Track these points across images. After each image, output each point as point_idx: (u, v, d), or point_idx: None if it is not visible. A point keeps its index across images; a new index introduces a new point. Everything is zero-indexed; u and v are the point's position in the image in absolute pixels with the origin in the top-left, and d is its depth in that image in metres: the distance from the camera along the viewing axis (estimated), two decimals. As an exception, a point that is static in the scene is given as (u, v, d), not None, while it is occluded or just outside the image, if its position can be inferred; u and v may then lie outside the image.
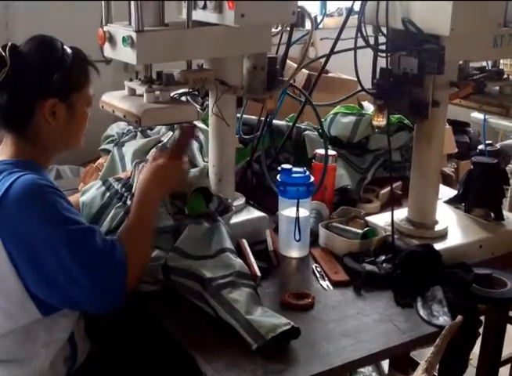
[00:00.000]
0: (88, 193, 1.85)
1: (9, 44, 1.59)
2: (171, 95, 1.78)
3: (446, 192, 2.25)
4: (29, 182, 1.51)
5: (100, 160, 2.33)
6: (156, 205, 1.69)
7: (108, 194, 1.81)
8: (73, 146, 1.72)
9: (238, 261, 1.66)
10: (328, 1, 4.39)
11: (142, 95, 1.71)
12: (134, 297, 1.60)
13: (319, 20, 3.81)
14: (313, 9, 4.23)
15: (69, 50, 1.64)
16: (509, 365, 2.57)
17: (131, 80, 1.77)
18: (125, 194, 1.78)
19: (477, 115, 3.93)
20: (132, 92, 1.76)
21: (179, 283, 1.63)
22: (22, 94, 1.60)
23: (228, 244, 1.70)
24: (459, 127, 4.19)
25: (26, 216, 1.49)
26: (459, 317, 1.49)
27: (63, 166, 2.76)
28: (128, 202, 1.75)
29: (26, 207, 1.49)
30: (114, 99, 1.75)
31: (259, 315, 1.51)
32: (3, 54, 1.57)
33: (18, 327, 1.54)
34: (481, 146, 3.85)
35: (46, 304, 1.53)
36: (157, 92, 1.70)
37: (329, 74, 3.74)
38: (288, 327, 1.47)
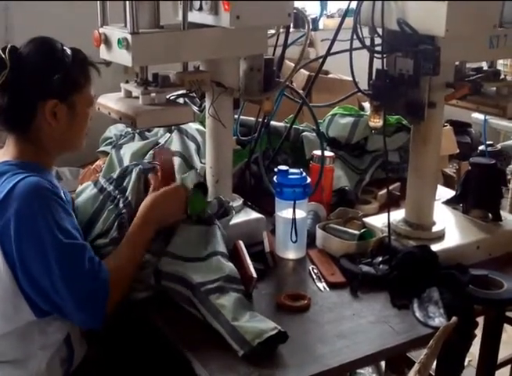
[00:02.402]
0: (82, 196, 1.85)
1: (9, 46, 1.61)
2: (168, 97, 1.78)
3: (446, 193, 2.25)
4: (33, 185, 1.53)
5: (98, 162, 2.33)
6: (151, 235, 1.69)
7: (101, 197, 1.81)
8: (74, 148, 1.73)
9: (228, 265, 1.65)
10: (329, 3, 4.39)
11: (138, 97, 1.71)
12: (129, 300, 1.61)
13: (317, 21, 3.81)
14: (313, 10, 4.23)
15: (69, 51, 1.66)
16: (509, 366, 2.56)
17: (127, 82, 1.78)
18: (118, 197, 1.79)
19: (478, 116, 3.91)
20: (128, 94, 1.77)
21: (170, 289, 1.63)
22: (22, 95, 1.61)
23: (221, 248, 1.69)
24: (461, 127, 4.18)
25: (26, 219, 1.50)
26: (454, 319, 1.49)
27: (63, 168, 2.76)
28: (121, 205, 1.75)
29: (27, 210, 1.50)
30: (110, 101, 1.76)
31: (246, 320, 1.50)
32: (3, 56, 1.58)
33: (14, 328, 1.55)
34: (482, 147, 3.84)
35: (40, 306, 1.54)
36: (153, 94, 1.70)
37: (330, 75, 3.74)
38: (275, 332, 1.46)
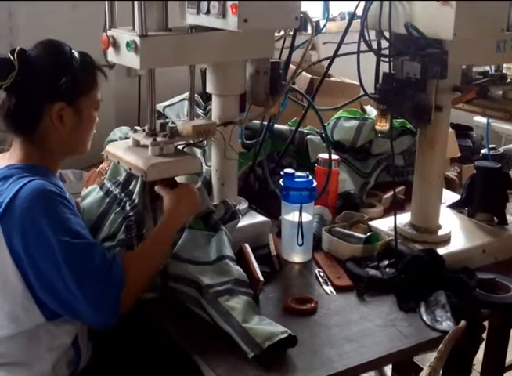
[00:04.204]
0: (88, 199, 1.85)
1: (18, 48, 1.62)
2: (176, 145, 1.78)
3: (449, 196, 2.25)
4: (37, 188, 1.53)
5: (103, 165, 2.32)
6: (174, 235, 1.69)
7: (107, 200, 1.81)
8: (79, 151, 1.74)
9: (237, 268, 1.65)
10: (330, 5, 4.38)
11: (146, 146, 1.73)
12: (136, 302, 1.60)
13: (321, 25, 3.80)
14: (316, 13, 4.23)
15: (76, 54, 1.66)
16: (512, 370, 2.56)
17: (135, 131, 1.80)
18: (124, 199, 1.78)
19: (481, 119, 3.92)
20: (137, 143, 1.78)
21: (177, 290, 1.62)
22: (30, 98, 1.62)
23: (228, 252, 1.69)
24: (462, 131, 4.19)
25: (31, 223, 1.50)
26: (463, 322, 1.49)
27: (66, 170, 2.76)
28: (128, 208, 1.75)
29: (32, 214, 1.50)
30: (119, 151, 1.78)
31: (256, 323, 1.50)
32: (11, 58, 1.59)
33: (22, 330, 1.55)
34: (484, 150, 3.84)
35: (50, 309, 1.54)
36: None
37: (332, 78, 3.73)
38: (285, 335, 1.46)
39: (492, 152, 3.67)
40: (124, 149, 1.78)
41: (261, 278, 1.69)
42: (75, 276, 1.49)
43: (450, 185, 3.63)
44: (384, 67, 1.82)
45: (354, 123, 2.43)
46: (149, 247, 1.65)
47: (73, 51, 1.66)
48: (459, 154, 3.92)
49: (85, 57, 1.69)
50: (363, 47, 1.82)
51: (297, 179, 1.87)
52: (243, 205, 1.99)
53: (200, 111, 2.46)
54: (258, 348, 1.43)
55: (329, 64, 2.14)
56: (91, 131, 1.73)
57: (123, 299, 1.52)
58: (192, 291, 1.60)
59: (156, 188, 1.73)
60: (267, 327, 1.49)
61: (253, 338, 1.45)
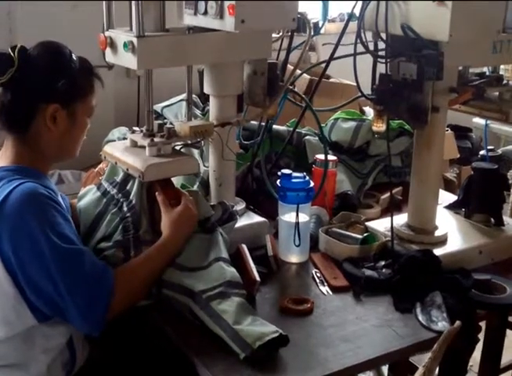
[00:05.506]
0: (85, 199, 1.85)
1: (19, 45, 1.62)
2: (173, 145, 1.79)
3: (447, 197, 2.26)
4: (28, 192, 1.53)
5: (101, 165, 2.32)
6: (171, 252, 1.67)
7: (104, 201, 1.81)
8: (68, 156, 1.74)
9: (230, 270, 1.63)
10: (330, 6, 4.39)
11: (143, 147, 1.73)
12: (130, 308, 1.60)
13: (320, 26, 3.81)
14: (315, 14, 4.24)
15: (76, 58, 1.67)
16: (510, 371, 2.56)
17: (133, 132, 1.80)
18: (121, 200, 1.79)
19: (479, 121, 3.93)
20: (134, 144, 1.79)
21: (172, 297, 1.61)
22: (25, 95, 1.62)
23: (223, 254, 1.68)
24: (461, 132, 4.20)
25: (21, 226, 1.50)
26: (458, 323, 1.49)
27: (65, 171, 2.76)
28: (125, 208, 1.75)
29: (22, 217, 1.50)
30: (117, 151, 1.78)
31: (248, 324, 1.49)
32: (12, 54, 1.60)
33: (15, 333, 1.54)
34: (482, 152, 3.85)
35: (42, 311, 1.54)
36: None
37: (331, 80, 3.74)
38: (275, 335, 1.45)
39: (490, 153, 3.68)
40: (122, 149, 1.79)
41: (258, 278, 1.69)
42: (65, 278, 1.49)
43: (449, 186, 3.64)
44: (381, 68, 1.83)
45: (352, 124, 2.44)
46: (141, 263, 1.63)
47: (72, 55, 1.67)
48: (459, 156, 3.92)
49: (84, 63, 1.70)
50: (361, 48, 1.83)
51: (294, 180, 1.88)
52: (240, 206, 1.99)
53: (198, 112, 2.47)
54: (249, 349, 1.43)
55: (326, 66, 2.15)
56: (82, 136, 1.74)
57: (110, 310, 1.52)
58: (185, 298, 1.59)
59: (159, 199, 1.72)
60: (258, 327, 1.48)
61: (244, 339, 1.45)
